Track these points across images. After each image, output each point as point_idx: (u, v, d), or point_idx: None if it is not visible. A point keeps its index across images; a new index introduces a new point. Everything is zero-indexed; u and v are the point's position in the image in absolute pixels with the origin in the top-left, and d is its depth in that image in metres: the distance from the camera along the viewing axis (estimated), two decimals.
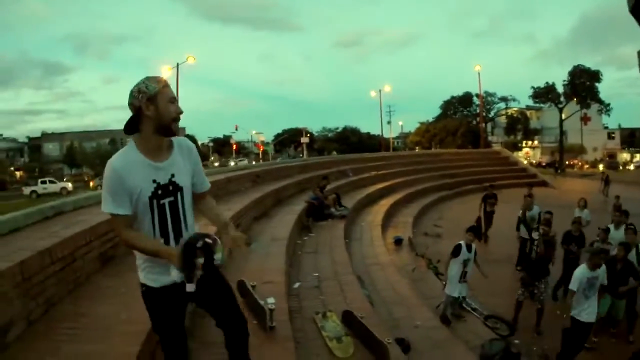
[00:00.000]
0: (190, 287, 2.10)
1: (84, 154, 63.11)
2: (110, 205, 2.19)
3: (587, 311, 5.87)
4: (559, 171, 37.10)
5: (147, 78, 2.23)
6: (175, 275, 2.17)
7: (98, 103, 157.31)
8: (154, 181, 2.24)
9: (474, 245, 7.38)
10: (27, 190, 45.74)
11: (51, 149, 73.92)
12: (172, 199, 2.30)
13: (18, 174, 64.91)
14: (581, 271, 5.98)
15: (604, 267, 6.13)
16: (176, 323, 2.46)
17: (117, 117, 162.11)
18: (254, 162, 47.68)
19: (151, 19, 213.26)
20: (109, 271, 4.41)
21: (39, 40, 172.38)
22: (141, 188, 2.20)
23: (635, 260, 7.28)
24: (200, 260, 2.11)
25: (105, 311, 3.45)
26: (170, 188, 2.29)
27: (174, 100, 2.25)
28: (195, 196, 2.47)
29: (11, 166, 64.77)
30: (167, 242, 2.29)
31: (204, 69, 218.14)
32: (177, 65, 36.42)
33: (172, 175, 2.29)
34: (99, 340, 3.07)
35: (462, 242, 7.26)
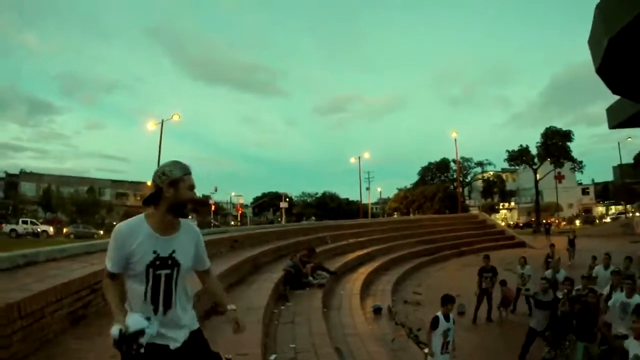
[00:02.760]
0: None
1: (60, 199, 62.15)
2: (109, 263, 2.43)
3: None
4: (549, 233, 37.17)
5: (174, 163, 2.52)
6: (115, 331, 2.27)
7: (80, 148, 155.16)
8: (154, 252, 2.42)
9: (451, 315, 7.18)
10: (7, 227, 45.07)
11: (28, 189, 72.51)
12: (168, 271, 2.46)
13: None
14: None
15: None
16: None
17: (98, 164, 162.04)
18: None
19: (140, 70, 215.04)
20: (78, 332, 4.18)
21: (30, 75, 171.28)
22: (141, 255, 2.39)
23: None
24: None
25: None
26: (169, 262, 2.46)
27: (192, 188, 2.52)
28: (199, 274, 2.77)
29: None
30: (155, 309, 2.44)
31: (187, 126, 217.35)
32: (162, 121, 37.06)
33: (173, 251, 2.47)
34: None
35: (439, 314, 7.00)
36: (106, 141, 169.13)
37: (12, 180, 75.49)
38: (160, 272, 2.43)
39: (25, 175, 75.01)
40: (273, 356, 6.11)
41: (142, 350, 2.27)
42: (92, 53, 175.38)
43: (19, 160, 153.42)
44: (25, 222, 46.57)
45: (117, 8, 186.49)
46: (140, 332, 2.30)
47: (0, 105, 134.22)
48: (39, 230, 45.65)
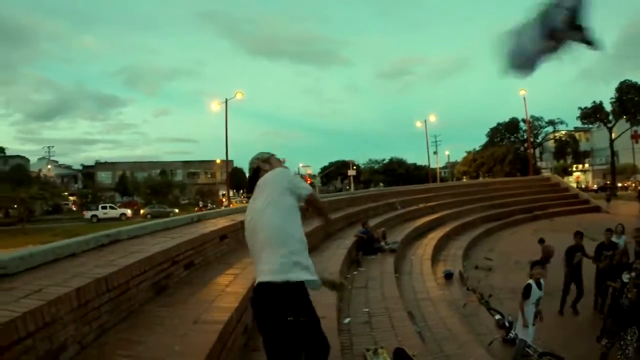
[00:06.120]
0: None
1: (135, 183, 65.16)
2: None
3: None
4: (609, 199, 34.82)
5: (260, 152, 3.33)
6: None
7: (149, 135, 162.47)
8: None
9: (542, 281, 6.90)
10: (88, 214, 47.85)
11: (104, 177, 76.73)
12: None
13: (72, 199, 67.58)
14: None
15: None
16: None
17: (168, 149, 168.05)
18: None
19: (199, 54, 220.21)
20: (162, 301, 4.41)
21: (94, 73, 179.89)
22: None
23: None
24: None
25: (159, 341, 3.42)
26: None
27: (282, 162, 3.34)
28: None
29: (66, 191, 67.33)
30: None
31: (252, 103, 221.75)
32: (226, 101, 37.76)
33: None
34: None
35: (531, 281, 6.65)
36: (174, 125, 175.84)
37: (89, 172, 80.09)
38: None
39: (100, 165, 79.32)
40: (347, 319, 6.25)
41: None
42: (149, 45, 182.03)
43: (93, 152, 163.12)
44: (104, 208, 49.25)
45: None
46: None
47: (69, 105, 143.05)
48: (118, 213, 48.01)
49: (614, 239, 10.80)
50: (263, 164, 3.19)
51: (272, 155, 3.32)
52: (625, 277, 7.14)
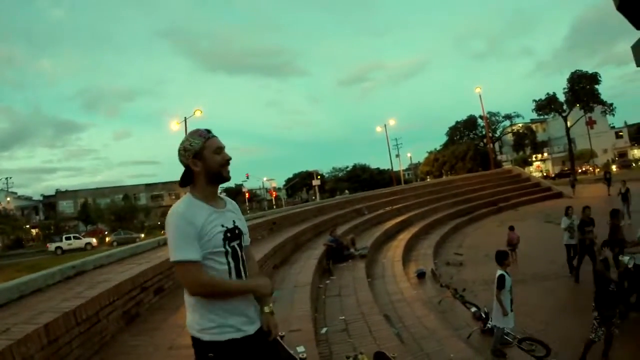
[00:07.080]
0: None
1: (98, 210, 63.70)
2: (184, 252, 2.08)
3: None
4: (574, 185, 35.18)
5: (191, 133, 2.32)
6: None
7: (110, 159, 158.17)
8: (222, 225, 2.22)
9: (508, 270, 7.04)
10: (52, 246, 46.23)
11: (65, 207, 74.62)
12: (238, 241, 2.28)
13: (34, 231, 65.60)
14: None
15: None
16: None
17: (130, 172, 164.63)
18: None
19: (158, 74, 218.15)
20: (135, 330, 4.34)
21: (50, 98, 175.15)
22: (212, 231, 2.17)
23: None
24: None
25: None
26: (236, 232, 2.28)
27: (219, 150, 2.29)
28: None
29: (27, 224, 65.33)
30: None
31: (213, 119, 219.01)
32: (185, 119, 37.14)
33: (234, 221, 2.30)
34: None
35: (503, 272, 6.77)
36: (135, 148, 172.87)
37: (50, 202, 77.75)
38: (233, 243, 2.24)
39: (61, 194, 77.06)
40: (324, 329, 6.21)
41: None
42: (108, 66, 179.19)
43: (53, 181, 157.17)
44: (68, 238, 47.69)
45: (124, 19, 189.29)
46: None
47: (27, 132, 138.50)
48: (83, 243, 46.81)
49: (564, 220, 11.27)
50: (194, 162, 2.26)
51: (209, 138, 2.30)
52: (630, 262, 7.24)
